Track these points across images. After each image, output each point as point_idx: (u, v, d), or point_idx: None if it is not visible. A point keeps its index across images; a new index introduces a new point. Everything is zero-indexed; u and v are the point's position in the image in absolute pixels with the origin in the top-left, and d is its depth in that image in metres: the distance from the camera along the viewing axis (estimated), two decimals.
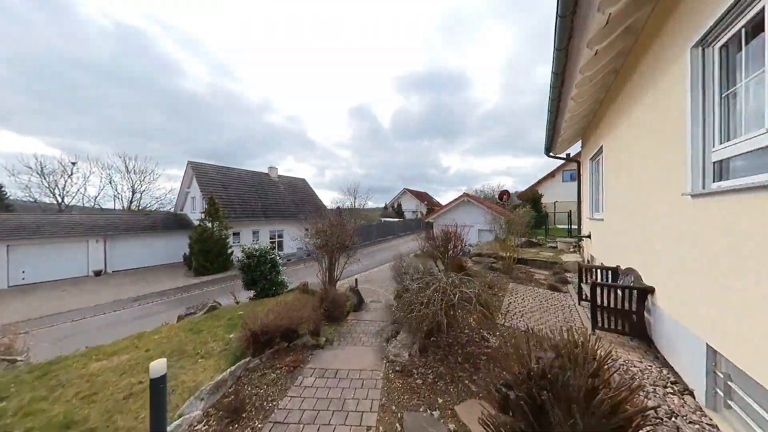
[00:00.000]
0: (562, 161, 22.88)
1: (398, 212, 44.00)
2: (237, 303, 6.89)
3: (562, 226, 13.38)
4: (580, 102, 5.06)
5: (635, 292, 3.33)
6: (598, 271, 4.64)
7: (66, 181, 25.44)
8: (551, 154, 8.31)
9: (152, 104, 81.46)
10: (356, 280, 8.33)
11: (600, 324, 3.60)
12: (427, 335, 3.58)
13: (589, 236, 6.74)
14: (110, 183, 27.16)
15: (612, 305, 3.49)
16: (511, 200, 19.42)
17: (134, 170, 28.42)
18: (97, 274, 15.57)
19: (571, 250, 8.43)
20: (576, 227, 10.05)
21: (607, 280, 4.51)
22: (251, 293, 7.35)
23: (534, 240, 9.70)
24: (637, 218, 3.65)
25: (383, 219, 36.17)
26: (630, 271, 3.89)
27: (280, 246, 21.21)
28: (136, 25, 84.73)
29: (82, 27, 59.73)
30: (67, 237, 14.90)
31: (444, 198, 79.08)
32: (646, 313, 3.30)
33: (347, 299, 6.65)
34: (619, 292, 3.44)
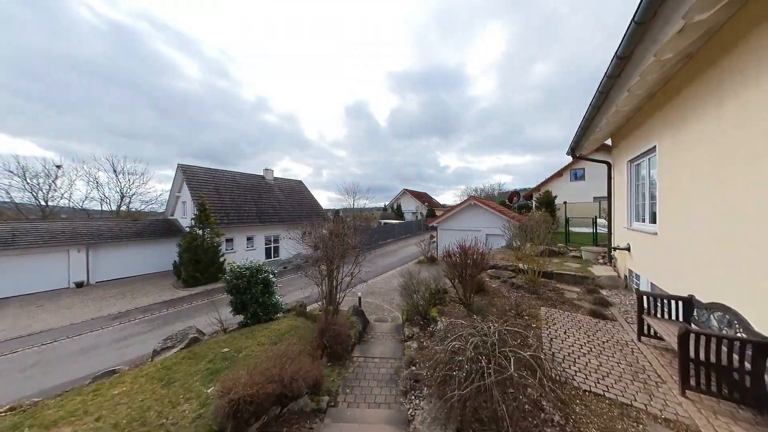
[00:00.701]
0: (572, 160, 21.89)
1: (398, 213, 43.14)
2: (224, 331, 5.97)
3: (577, 230, 12.55)
4: (637, 95, 4.20)
5: (750, 345, 2.47)
6: (664, 301, 3.78)
7: (50, 185, 24.33)
8: (576, 154, 7.49)
9: (145, 104, 79.86)
10: (359, 298, 7.43)
11: (694, 383, 2.73)
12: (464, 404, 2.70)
13: (627, 249, 5.89)
14: (96, 188, 26.02)
15: (711, 359, 2.62)
16: (519, 200, 18.64)
17: (124, 171, 27.35)
18: (79, 285, 14.51)
19: (600, 261, 7.59)
20: (605, 232, 9.18)
21: (676, 314, 3.66)
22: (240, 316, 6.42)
23: (554, 248, 8.87)
24: (740, 238, 2.77)
25: (383, 221, 35.29)
26: (719, 307, 3.03)
27: (276, 252, 20.25)
28: (128, 23, 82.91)
29: (74, 26, 58.13)
30: (46, 246, 13.83)
31: (443, 198, 78.41)
32: (767, 376, 2.44)
33: (351, 326, 5.75)
34: (724, 345, 2.57)
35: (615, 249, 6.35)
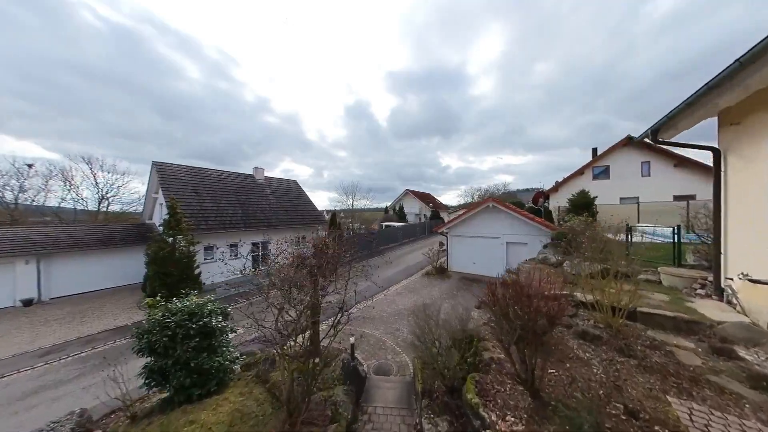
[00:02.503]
0: (592, 158, 19.42)
1: (400, 215, 40.89)
2: (132, 418, 3.73)
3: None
4: None
5: None
6: None
7: (21, 186, 22.34)
8: (659, 138, 5.28)
9: (148, 107, 78.21)
10: (352, 345, 5.13)
11: None
12: None
13: None
14: (69, 189, 24.03)
15: None
16: (545, 202, 16.35)
17: (102, 167, 25.39)
18: (27, 303, 12.33)
19: (699, 291, 5.31)
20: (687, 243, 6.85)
21: None
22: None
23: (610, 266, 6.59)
24: None
25: (384, 223, 33.05)
26: None
27: (264, 260, 18.00)
28: (129, 26, 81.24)
29: (77, 30, 56.50)
30: None
31: (445, 198, 75.96)
32: None
33: (335, 412, 3.52)
34: None
35: (748, 279, 4.08)
